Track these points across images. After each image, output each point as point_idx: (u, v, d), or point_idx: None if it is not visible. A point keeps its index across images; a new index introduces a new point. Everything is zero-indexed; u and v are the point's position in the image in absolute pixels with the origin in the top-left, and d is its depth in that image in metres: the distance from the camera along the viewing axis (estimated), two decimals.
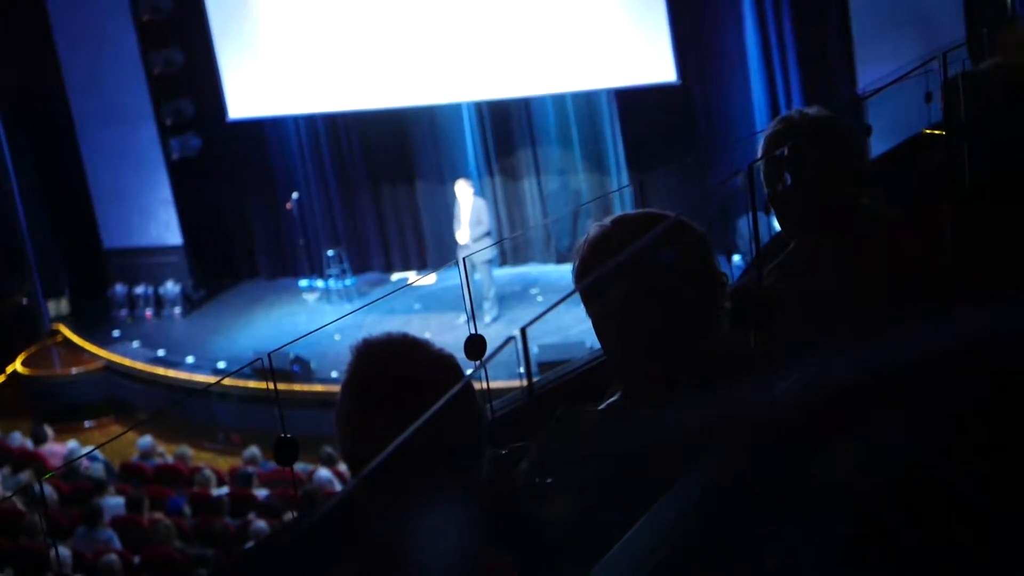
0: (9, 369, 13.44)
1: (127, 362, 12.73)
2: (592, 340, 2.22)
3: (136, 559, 7.72)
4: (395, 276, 13.93)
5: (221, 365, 11.95)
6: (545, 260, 13.28)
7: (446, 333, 9.90)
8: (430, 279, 12.53)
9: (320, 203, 14.09)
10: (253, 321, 13.19)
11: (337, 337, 9.08)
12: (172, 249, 14.06)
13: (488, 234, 11.87)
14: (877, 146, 3.74)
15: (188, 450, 10.63)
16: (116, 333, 13.65)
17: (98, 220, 14.33)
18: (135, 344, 13.16)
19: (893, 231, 2.50)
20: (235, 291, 14.40)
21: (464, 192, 11.90)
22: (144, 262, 14.01)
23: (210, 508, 8.78)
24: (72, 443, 10.92)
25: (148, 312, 13.97)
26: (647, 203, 11.59)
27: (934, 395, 1.62)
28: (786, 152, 2.53)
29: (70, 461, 10.00)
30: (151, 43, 13.46)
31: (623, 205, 11.20)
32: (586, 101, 12.77)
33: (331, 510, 1.16)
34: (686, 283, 1.86)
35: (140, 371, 12.51)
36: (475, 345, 1.83)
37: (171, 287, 13.88)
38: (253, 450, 9.98)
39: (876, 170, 3.09)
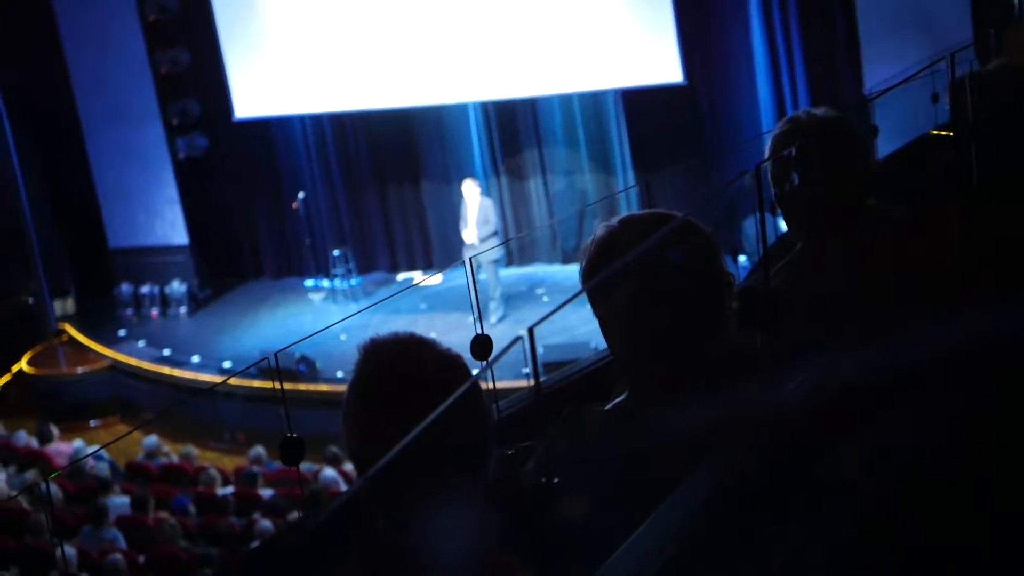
0: (15, 368, 13.46)
1: (133, 361, 12.74)
2: (598, 340, 2.21)
3: (141, 558, 7.72)
4: (401, 276, 13.94)
5: (227, 365, 11.96)
6: (551, 260, 13.29)
7: (452, 333, 9.89)
8: (436, 279, 12.54)
9: (326, 203, 14.09)
10: (259, 321, 13.20)
11: (343, 337, 9.07)
12: (178, 248, 14.08)
13: (495, 234, 11.87)
14: (884, 147, 3.73)
15: (193, 449, 10.64)
16: (122, 332, 13.67)
17: (104, 219, 14.36)
18: (141, 343, 13.17)
19: (900, 232, 2.49)
20: (241, 291, 14.42)
21: (471, 192, 11.90)
22: (150, 261, 14.03)
23: (215, 508, 8.79)
24: (78, 442, 10.94)
25: (154, 311, 13.99)
26: (653, 203, 11.51)
27: (941, 396, 1.62)
28: (793, 153, 2.53)
29: (75, 460, 10.01)
30: (157, 43, 13.48)
31: (629, 205, 11.18)
32: (592, 101, 12.77)
33: (337, 510, 1.16)
34: (693, 283, 1.86)
35: (146, 370, 12.52)
36: (481, 345, 1.83)
37: (177, 286, 13.90)
38: (258, 450, 9.97)
39: (883, 171, 3.09)
